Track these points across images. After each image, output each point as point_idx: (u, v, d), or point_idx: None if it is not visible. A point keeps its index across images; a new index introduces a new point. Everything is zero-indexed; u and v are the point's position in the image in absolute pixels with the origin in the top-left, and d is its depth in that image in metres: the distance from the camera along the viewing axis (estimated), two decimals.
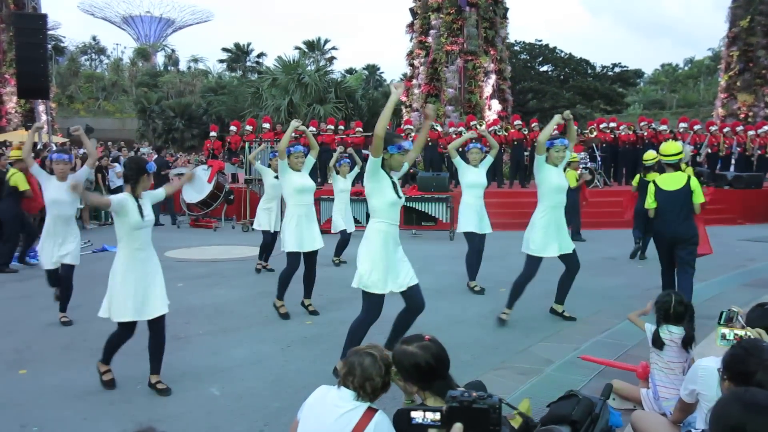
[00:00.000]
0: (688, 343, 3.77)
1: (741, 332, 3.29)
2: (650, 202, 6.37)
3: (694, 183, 6.21)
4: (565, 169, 6.37)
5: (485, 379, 3.38)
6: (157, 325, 4.48)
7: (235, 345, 5.58)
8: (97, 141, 31.95)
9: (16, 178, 8.85)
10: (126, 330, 4.45)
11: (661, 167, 7.58)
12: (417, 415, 1.40)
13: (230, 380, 4.72)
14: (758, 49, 22.94)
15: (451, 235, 11.98)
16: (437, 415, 1.39)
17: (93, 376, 4.61)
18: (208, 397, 4.41)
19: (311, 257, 6.59)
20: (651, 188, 6.43)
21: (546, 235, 6.11)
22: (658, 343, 3.86)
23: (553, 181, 6.09)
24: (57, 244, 6.10)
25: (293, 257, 6.43)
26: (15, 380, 4.72)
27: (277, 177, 7.70)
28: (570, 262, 6.32)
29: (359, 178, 10.27)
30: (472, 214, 7.58)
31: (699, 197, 6.17)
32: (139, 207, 4.35)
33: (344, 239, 9.35)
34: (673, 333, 3.81)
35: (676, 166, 6.34)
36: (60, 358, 5.21)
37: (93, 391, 4.47)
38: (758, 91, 22.91)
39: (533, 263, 6.16)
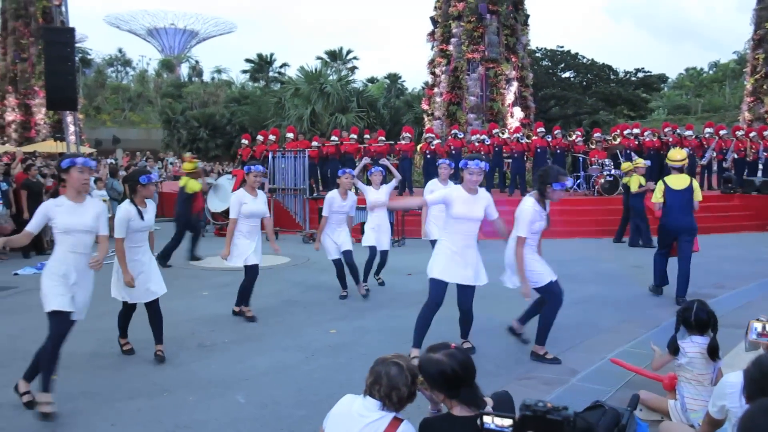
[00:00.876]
0: (713, 352, 3.69)
1: None
2: (658, 197, 7.42)
3: (695, 184, 7.44)
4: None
5: (510, 389, 3.37)
6: (152, 307, 5.38)
7: (259, 353, 5.62)
8: (124, 151, 32.52)
9: (192, 185, 10.73)
10: (128, 309, 5.51)
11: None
12: (488, 420, 1.40)
13: (255, 388, 4.75)
14: None
15: None
16: (507, 422, 1.37)
17: (121, 382, 4.68)
18: (234, 405, 4.45)
19: (254, 269, 6.78)
20: (660, 186, 7.48)
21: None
22: (672, 348, 3.80)
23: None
24: (69, 287, 4.37)
25: (250, 269, 6.72)
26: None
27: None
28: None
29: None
30: (435, 226, 7.63)
31: (698, 196, 7.37)
32: (139, 212, 5.21)
33: (372, 257, 8.17)
34: (699, 344, 3.74)
35: (681, 170, 7.51)
36: (88, 364, 5.29)
37: (120, 398, 4.53)
38: None
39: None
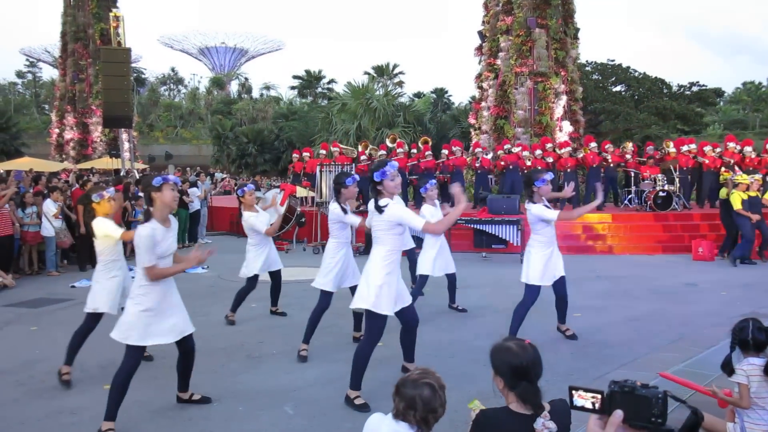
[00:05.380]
0: None
1: None
2: None
3: None
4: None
5: None
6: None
7: (307, 365, 5.65)
8: (175, 167, 33.35)
9: (735, 198, 11.29)
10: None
11: None
12: (576, 395, 1.37)
13: (303, 400, 4.78)
14: None
15: (521, 258, 11.76)
16: (596, 396, 1.33)
17: (171, 391, 4.75)
18: (282, 416, 4.48)
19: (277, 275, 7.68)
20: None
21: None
22: (727, 369, 3.64)
23: None
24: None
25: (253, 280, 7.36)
26: (100, 395, 4.90)
27: None
28: None
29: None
30: (432, 255, 7.45)
31: None
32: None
33: (422, 283, 7.55)
34: (757, 365, 3.57)
35: None
36: (141, 374, 5.36)
37: (172, 407, 4.62)
38: None
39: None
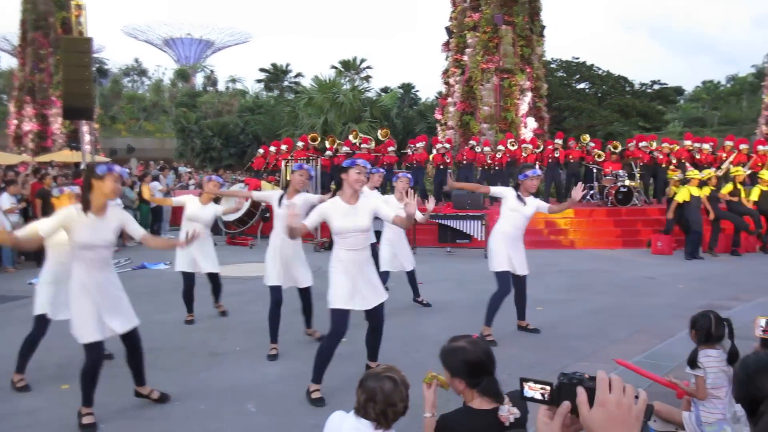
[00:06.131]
0: (733, 359, 3.61)
1: None
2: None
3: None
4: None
5: None
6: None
7: (270, 362, 5.62)
8: (138, 160, 32.79)
9: (682, 194, 11.45)
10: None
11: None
12: (527, 387, 1.38)
13: (266, 397, 4.75)
14: None
15: (485, 253, 11.87)
16: (541, 386, 1.35)
17: (131, 393, 4.67)
18: (245, 414, 4.44)
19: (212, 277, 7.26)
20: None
21: None
22: (694, 364, 3.72)
23: None
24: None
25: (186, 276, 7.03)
26: (57, 395, 4.82)
27: None
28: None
29: None
30: (390, 250, 7.51)
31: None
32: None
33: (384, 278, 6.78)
34: (714, 357, 3.66)
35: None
36: (101, 373, 5.29)
37: (132, 407, 4.54)
38: None
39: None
